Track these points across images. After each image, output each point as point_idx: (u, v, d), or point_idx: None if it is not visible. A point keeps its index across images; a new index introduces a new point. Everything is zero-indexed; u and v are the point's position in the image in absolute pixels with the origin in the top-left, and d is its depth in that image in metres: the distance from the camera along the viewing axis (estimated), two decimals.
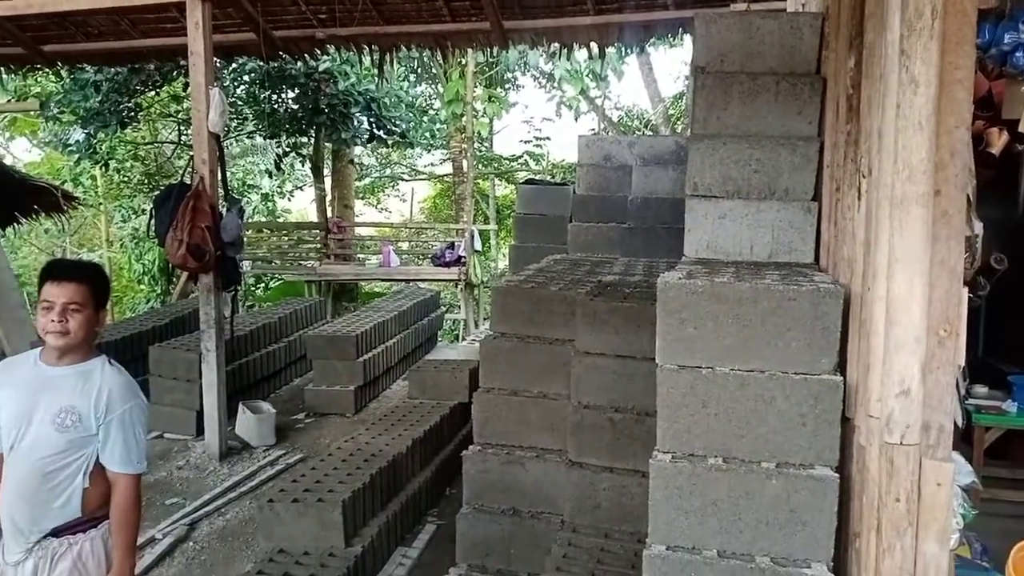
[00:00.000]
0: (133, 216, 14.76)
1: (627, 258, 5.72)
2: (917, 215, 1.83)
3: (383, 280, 13.68)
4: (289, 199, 19.39)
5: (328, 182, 14.68)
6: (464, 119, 13.61)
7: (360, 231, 16.02)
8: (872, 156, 2.05)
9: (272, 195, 17.93)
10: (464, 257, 12.97)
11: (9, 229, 11.24)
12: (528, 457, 3.71)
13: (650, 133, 15.43)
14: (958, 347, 1.92)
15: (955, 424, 1.95)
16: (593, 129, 17.54)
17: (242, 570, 4.21)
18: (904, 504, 1.86)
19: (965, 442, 4.43)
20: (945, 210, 1.89)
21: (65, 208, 10.51)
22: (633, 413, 3.44)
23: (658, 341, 2.30)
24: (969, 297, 1.95)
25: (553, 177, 16.95)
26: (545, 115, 21.80)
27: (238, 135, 13.93)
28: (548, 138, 17.86)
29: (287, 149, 13.09)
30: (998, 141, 4.21)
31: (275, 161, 13.38)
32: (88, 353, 2.51)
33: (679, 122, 14.84)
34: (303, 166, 16.22)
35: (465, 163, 15.83)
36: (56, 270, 2.47)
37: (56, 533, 2.47)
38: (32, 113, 11.81)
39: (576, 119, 15.76)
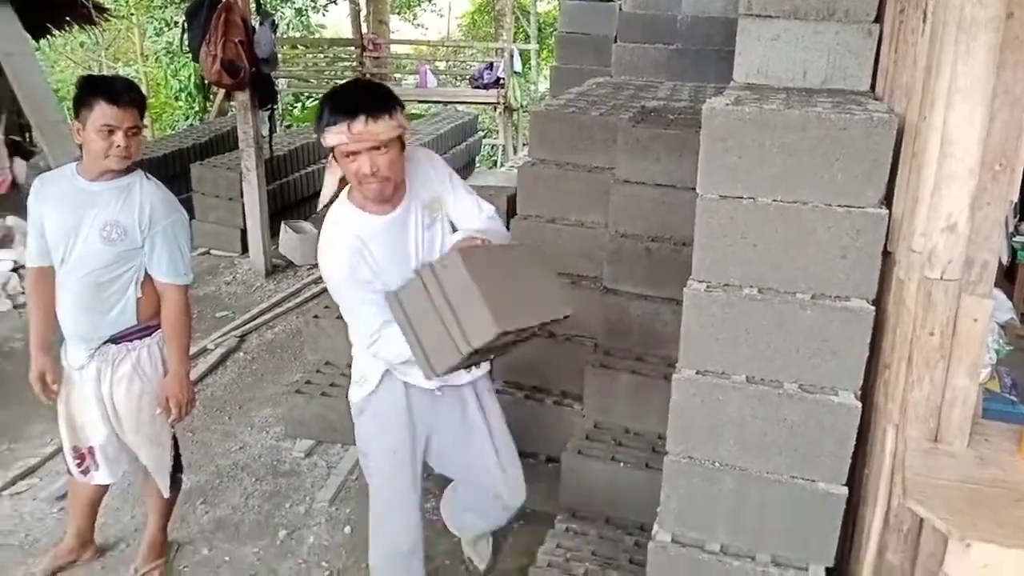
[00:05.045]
0: (166, 29, 14.40)
1: (673, 82, 5.48)
2: (984, 41, 1.70)
3: (420, 101, 13.38)
4: (323, 14, 18.68)
5: None
6: None
7: (396, 48, 15.52)
8: None
9: (306, 9, 17.28)
10: (503, 79, 12.57)
11: (43, 42, 11.07)
12: (563, 283, 3.76)
13: None
14: (1012, 182, 1.84)
15: (999, 261, 1.91)
16: None
17: (291, 379, 4.47)
18: (938, 338, 1.87)
19: (1008, 279, 4.38)
20: (1016, 35, 1.75)
21: (96, 20, 10.25)
22: (670, 243, 3.44)
23: (700, 170, 2.25)
24: None
25: None
26: None
27: None
28: None
29: None
30: None
31: None
32: (126, 168, 2.55)
33: None
34: None
35: None
36: (113, 92, 2.43)
37: (115, 340, 2.62)
38: None
39: None
